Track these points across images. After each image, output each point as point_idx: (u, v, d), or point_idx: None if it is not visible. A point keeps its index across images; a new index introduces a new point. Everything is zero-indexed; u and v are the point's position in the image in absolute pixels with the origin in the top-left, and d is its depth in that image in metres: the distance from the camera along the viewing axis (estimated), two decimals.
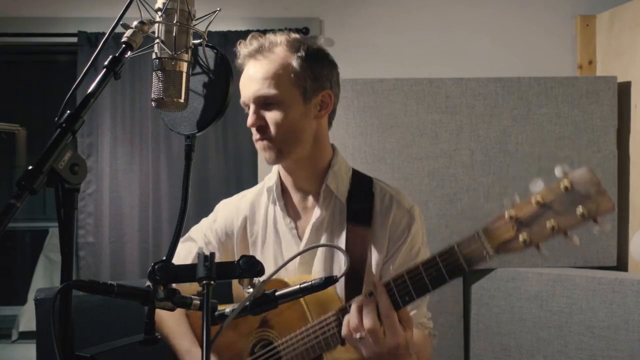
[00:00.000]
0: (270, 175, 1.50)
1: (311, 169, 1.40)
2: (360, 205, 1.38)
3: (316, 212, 1.40)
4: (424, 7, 2.81)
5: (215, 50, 1.16)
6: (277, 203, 1.44)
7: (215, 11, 1.03)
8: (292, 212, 1.44)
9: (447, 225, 2.35)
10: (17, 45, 2.88)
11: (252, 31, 2.69)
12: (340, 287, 1.34)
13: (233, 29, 2.70)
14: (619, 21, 2.56)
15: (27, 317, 3.05)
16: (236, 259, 1.45)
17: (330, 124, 1.44)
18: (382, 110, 2.39)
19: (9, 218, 0.79)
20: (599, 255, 2.39)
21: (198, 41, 1.07)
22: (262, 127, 1.33)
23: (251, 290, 0.98)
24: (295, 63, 1.31)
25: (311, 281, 1.03)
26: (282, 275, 1.34)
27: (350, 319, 1.13)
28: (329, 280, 1.02)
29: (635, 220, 2.43)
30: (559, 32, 2.79)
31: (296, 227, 1.43)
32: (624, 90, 2.45)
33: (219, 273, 0.91)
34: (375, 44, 2.80)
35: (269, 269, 1.39)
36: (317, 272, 1.39)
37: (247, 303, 0.99)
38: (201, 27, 1.03)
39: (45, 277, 3.33)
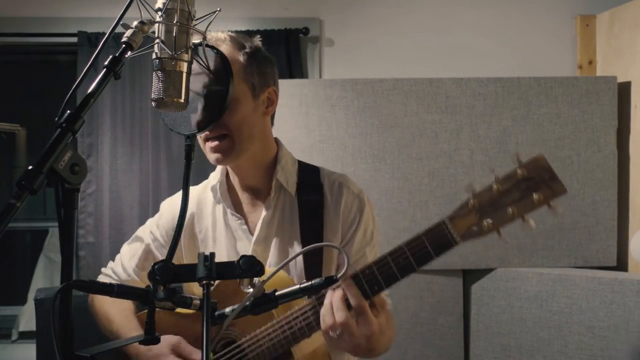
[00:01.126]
0: (214, 173, 1.50)
1: (258, 166, 1.41)
2: (310, 197, 1.39)
3: (266, 207, 1.40)
4: (424, 7, 2.81)
5: (215, 50, 1.16)
6: (223, 202, 1.44)
7: (215, 11, 1.03)
8: (240, 210, 1.44)
9: None
10: (17, 45, 2.88)
11: (252, 31, 2.71)
12: (300, 277, 1.35)
13: (233, 29, 2.69)
14: (619, 21, 2.56)
15: (27, 317, 3.05)
16: (184, 255, 1.48)
17: (272, 121, 1.44)
18: (382, 110, 2.39)
19: (9, 218, 0.78)
20: (599, 255, 2.39)
21: (198, 41, 1.07)
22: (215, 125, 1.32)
23: (251, 290, 0.98)
24: (242, 59, 1.31)
25: (311, 281, 1.03)
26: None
27: (325, 318, 1.14)
28: (329, 280, 1.02)
29: (635, 220, 2.43)
30: (559, 32, 2.79)
31: (246, 224, 1.43)
32: (624, 90, 2.45)
33: (219, 273, 0.91)
34: (375, 44, 2.80)
35: None
36: (271, 266, 1.39)
37: (247, 303, 0.99)
38: (201, 27, 1.03)
39: (45, 277, 3.33)
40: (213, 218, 1.46)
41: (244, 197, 1.45)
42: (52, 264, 3.35)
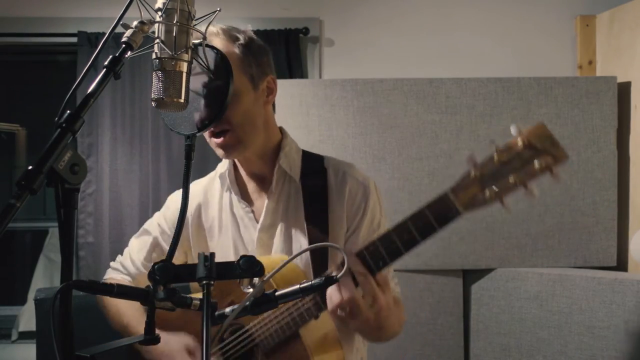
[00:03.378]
0: (222, 162, 1.50)
1: (262, 154, 1.40)
2: (314, 182, 1.39)
3: (270, 194, 1.40)
4: (424, 7, 2.81)
5: (215, 50, 1.16)
6: (232, 189, 1.44)
7: (215, 11, 1.03)
8: (247, 198, 1.45)
9: None
10: (17, 45, 2.88)
11: (252, 31, 2.71)
12: (306, 265, 1.35)
13: None
14: (619, 21, 2.56)
15: (27, 317, 3.05)
16: (192, 246, 1.48)
17: (274, 106, 1.44)
18: (382, 110, 2.39)
19: (9, 218, 0.78)
20: (599, 255, 2.39)
21: (198, 41, 1.07)
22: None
23: (251, 290, 0.98)
24: (237, 50, 1.31)
25: (311, 281, 1.02)
26: (244, 251, 1.36)
27: (332, 296, 1.14)
28: (329, 280, 1.01)
29: (635, 220, 2.43)
30: (559, 32, 2.79)
31: (252, 212, 1.43)
32: (624, 90, 2.45)
33: (219, 273, 0.91)
34: (375, 44, 2.80)
35: (228, 254, 1.39)
36: (276, 253, 1.40)
37: (247, 303, 0.98)
38: (201, 27, 1.03)
39: (45, 277, 3.33)
40: (220, 207, 1.47)
41: (250, 184, 1.45)
42: (52, 264, 3.35)
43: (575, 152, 2.39)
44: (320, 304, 1.19)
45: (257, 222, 1.41)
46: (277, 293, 1.01)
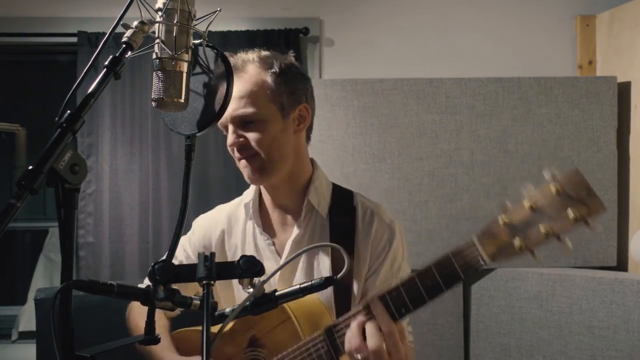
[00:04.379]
0: (249, 190, 1.49)
1: (292, 185, 1.39)
2: (342, 219, 1.37)
3: (296, 229, 1.39)
4: (424, 7, 2.81)
5: (215, 50, 1.16)
6: (254, 220, 1.43)
7: (216, 11, 1.03)
8: (269, 229, 1.44)
9: (447, 225, 2.35)
10: (17, 45, 2.89)
11: (252, 31, 2.71)
12: (329, 304, 1.33)
13: (233, 29, 2.70)
14: (619, 21, 2.56)
15: (27, 317, 3.05)
16: None
17: (308, 137, 1.43)
18: (382, 110, 2.39)
19: (9, 218, 0.78)
20: (599, 255, 2.39)
21: (198, 41, 1.07)
22: (244, 145, 1.32)
23: (251, 290, 0.98)
24: (269, 79, 1.31)
25: (311, 281, 1.02)
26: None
27: (352, 339, 1.11)
28: (329, 281, 1.01)
29: (635, 220, 2.43)
30: (559, 32, 2.79)
31: (274, 244, 1.42)
32: (624, 90, 2.46)
33: (219, 273, 0.91)
34: (375, 44, 2.80)
35: None
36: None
37: (247, 303, 0.98)
38: (201, 27, 1.03)
39: (45, 277, 3.33)
40: (243, 235, 1.46)
41: (274, 215, 1.44)
42: (52, 264, 3.35)
43: (575, 152, 2.39)
44: (340, 348, 1.16)
45: (279, 254, 1.40)
46: (277, 293, 1.01)
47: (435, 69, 2.69)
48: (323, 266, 1.36)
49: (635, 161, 2.44)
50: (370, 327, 1.10)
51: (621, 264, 2.42)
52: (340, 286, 1.30)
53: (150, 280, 0.92)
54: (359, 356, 1.11)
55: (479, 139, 2.39)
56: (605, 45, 2.65)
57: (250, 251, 1.44)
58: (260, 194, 1.45)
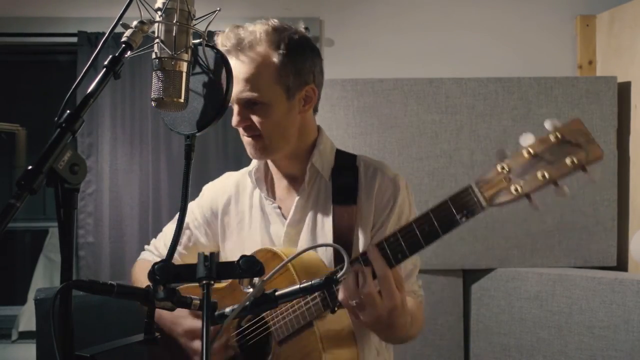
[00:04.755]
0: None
1: (296, 155, 1.41)
2: (344, 180, 1.38)
3: (301, 191, 1.41)
4: (424, 7, 2.81)
5: (215, 50, 1.16)
6: (258, 186, 1.45)
7: (215, 11, 1.03)
8: (276, 195, 1.46)
9: None
10: (17, 45, 2.88)
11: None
12: (329, 261, 1.35)
13: None
14: (619, 21, 2.56)
15: (27, 317, 3.05)
16: (219, 236, 1.49)
17: (315, 110, 1.43)
18: (382, 110, 2.39)
19: (9, 218, 0.79)
20: (599, 255, 2.39)
21: (198, 41, 1.07)
22: (248, 126, 1.33)
23: (251, 290, 0.98)
24: (276, 59, 1.30)
25: (311, 281, 1.02)
26: (270, 245, 1.37)
27: (346, 285, 1.13)
28: (329, 281, 1.01)
29: (635, 220, 2.43)
30: (559, 32, 2.79)
31: (279, 207, 1.44)
32: (624, 90, 2.45)
33: (219, 273, 0.91)
34: (375, 44, 2.79)
35: (256, 246, 1.39)
36: (302, 246, 1.40)
37: (247, 303, 0.98)
38: (201, 27, 1.03)
39: (45, 277, 3.33)
40: (250, 202, 1.48)
41: (281, 182, 1.46)
42: (52, 264, 3.35)
43: None
44: (336, 295, 1.17)
45: (285, 217, 1.42)
46: (277, 293, 1.01)
47: (435, 69, 2.69)
48: (327, 228, 1.37)
49: (635, 161, 2.44)
50: (363, 273, 1.11)
51: (621, 264, 2.42)
52: (340, 244, 1.31)
53: (150, 280, 0.92)
54: (353, 302, 1.12)
55: (479, 139, 2.39)
56: (605, 45, 2.65)
57: (257, 216, 1.45)
58: (266, 162, 1.47)
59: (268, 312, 1.27)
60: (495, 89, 2.39)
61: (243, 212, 1.48)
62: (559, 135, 0.95)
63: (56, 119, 0.87)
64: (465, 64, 2.74)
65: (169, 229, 1.58)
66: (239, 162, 2.74)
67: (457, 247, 2.35)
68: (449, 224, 1.07)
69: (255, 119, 1.32)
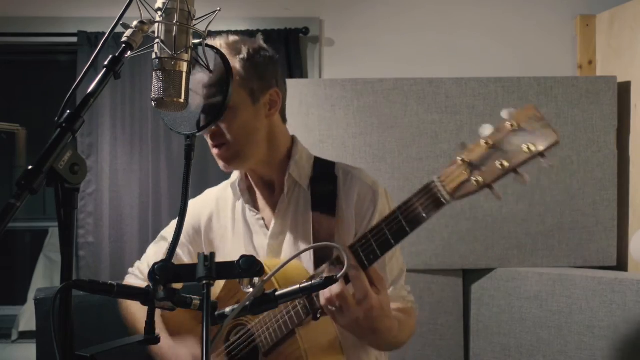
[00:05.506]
0: (236, 171, 1.51)
1: (271, 165, 1.41)
2: (323, 189, 1.39)
3: (280, 202, 1.41)
4: (424, 7, 2.82)
5: (215, 50, 1.16)
6: (242, 198, 1.46)
7: (215, 11, 1.03)
8: (257, 205, 1.47)
9: (447, 225, 2.35)
10: (17, 45, 2.88)
11: (252, 31, 2.71)
12: (310, 268, 1.35)
13: (233, 28, 2.70)
14: (619, 21, 2.56)
15: (27, 317, 3.05)
16: (205, 252, 1.49)
17: (284, 119, 1.44)
18: (382, 110, 2.39)
19: (9, 218, 0.78)
20: (599, 255, 2.39)
21: (198, 41, 1.07)
22: (215, 133, 1.33)
23: (251, 290, 0.98)
24: (238, 66, 1.31)
25: (311, 281, 1.02)
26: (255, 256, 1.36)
27: (324, 291, 1.13)
28: (329, 280, 1.01)
29: (635, 220, 2.43)
30: (559, 32, 2.79)
31: (262, 219, 1.45)
32: (624, 90, 2.45)
33: (219, 273, 0.91)
34: (375, 44, 2.80)
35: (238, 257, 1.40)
36: (286, 258, 1.39)
37: (247, 303, 0.98)
38: (201, 27, 1.03)
39: (45, 277, 3.33)
40: (233, 215, 1.48)
41: (260, 192, 1.47)
42: (52, 264, 3.35)
43: (575, 152, 2.39)
44: (315, 301, 1.18)
45: (268, 229, 1.42)
46: (277, 293, 1.01)
47: (435, 69, 2.69)
48: (308, 237, 1.37)
49: (635, 161, 2.44)
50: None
51: (621, 264, 2.42)
52: (320, 256, 1.31)
53: (150, 280, 0.92)
54: (332, 308, 1.12)
55: (479, 139, 2.38)
56: (605, 45, 2.65)
57: (240, 228, 1.46)
58: (246, 173, 1.48)
59: (253, 324, 1.28)
60: (495, 89, 2.39)
61: (225, 227, 1.49)
62: (515, 124, 0.98)
63: (56, 119, 0.87)
64: (465, 64, 2.74)
65: (152, 251, 1.57)
66: None
67: (457, 247, 2.35)
68: (415, 221, 1.08)
69: (222, 125, 1.32)
